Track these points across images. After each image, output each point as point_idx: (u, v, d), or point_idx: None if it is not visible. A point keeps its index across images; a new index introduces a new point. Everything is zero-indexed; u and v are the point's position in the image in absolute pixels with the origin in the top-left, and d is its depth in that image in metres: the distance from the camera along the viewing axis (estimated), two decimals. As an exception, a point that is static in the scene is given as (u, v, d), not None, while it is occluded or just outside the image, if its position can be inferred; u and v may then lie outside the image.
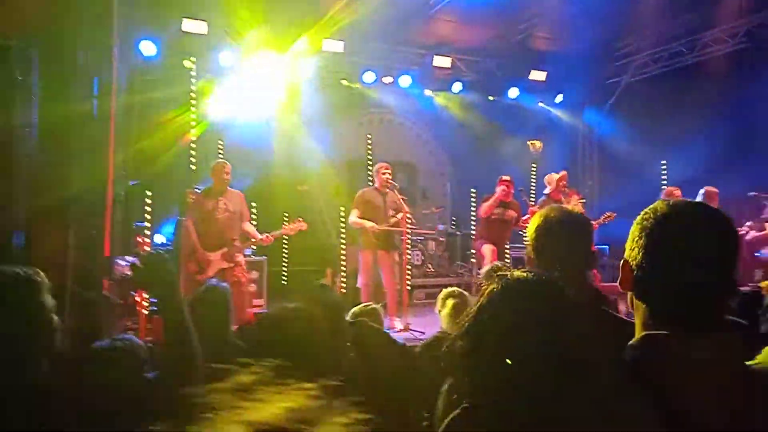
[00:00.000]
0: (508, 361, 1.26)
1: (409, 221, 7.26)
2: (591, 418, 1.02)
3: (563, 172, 7.93)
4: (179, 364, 1.77)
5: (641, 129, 10.12)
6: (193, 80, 8.46)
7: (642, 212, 1.18)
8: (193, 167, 8.05)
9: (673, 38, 9.79)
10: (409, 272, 7.74)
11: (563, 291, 1.42)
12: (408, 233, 7.34)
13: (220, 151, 8.43)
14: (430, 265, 9.76)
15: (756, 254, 8.56)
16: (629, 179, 9.72)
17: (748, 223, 8.35)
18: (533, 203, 8.18)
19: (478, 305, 1.37)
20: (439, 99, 11.22)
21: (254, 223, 7.54)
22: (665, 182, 9.65)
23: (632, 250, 1.16)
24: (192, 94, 8.43)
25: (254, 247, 7.89)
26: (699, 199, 8.14)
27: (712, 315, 1.13)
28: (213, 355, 2.22)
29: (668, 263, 1.12)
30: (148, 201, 6.75)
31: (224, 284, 3.30)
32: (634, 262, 1.15)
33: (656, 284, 1.13)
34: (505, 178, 7.67)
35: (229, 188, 6.36)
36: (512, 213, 7.63)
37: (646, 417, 0.99)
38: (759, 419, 1.02)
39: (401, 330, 6.63)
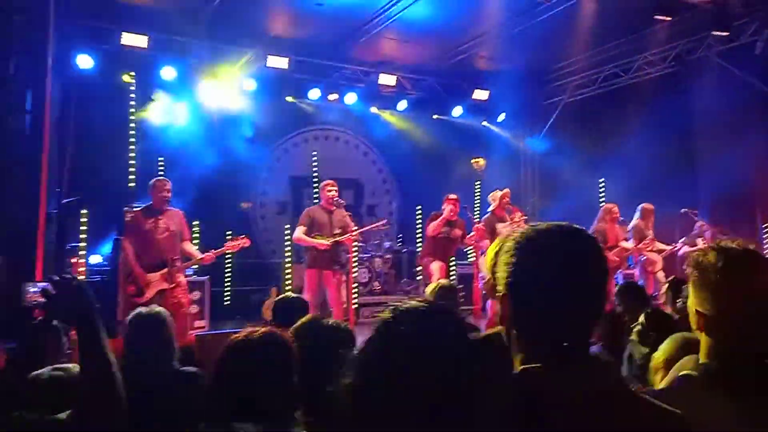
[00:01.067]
0: (390, 399, 1.17)
1: (354, 236, 7.23)
2: None
3: (506, 190, 8.06)
4: (98, 401, 1.63)
5: (579, 147, 10.44)
6: (132, 95, 8.23)
7: (503, 239, 1.15)
8: (132, 184, 7.80)
9: (607, 60, 10.18)
10: (355, 290, 7.68)
11: (460, 323, 1.32)
12: (354, 250, 7.30)
13: (161, 168, 8.19)
14: (376, 283, 9.74)
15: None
16: (569, 196, 9.99)
17: (681, 240, 8.70)
18: (477, 220, 8.29)
19: (367, 338, 1.28)
20: (385, 116, 11.29)
21: (196, 242, 7.35)
22: (603, 199, 9.98)
23: (501, 280, 1.12)
24: (131, 109, 8.20)
25: (196, 267, 7.69)
26: (636, 215, 8.45)
27: (584, 342, 1.09)
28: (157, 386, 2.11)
29: (533, 290, 1.06)
30: (84, 219, 6.47)
31: (161, 309, 3.17)
32: (505, 293, 1.10)
33: (525, 314, 1.08)
34: (451, 196, 7.76)
35: (169, 207, 6.17)
36: (458, 231, 7.72)
37: None
38: None
39: (347, 349, 6.55)
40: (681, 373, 1.44)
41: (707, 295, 1.40)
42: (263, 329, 1.86)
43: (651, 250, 8.29)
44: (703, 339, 1.44)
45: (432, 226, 7.59)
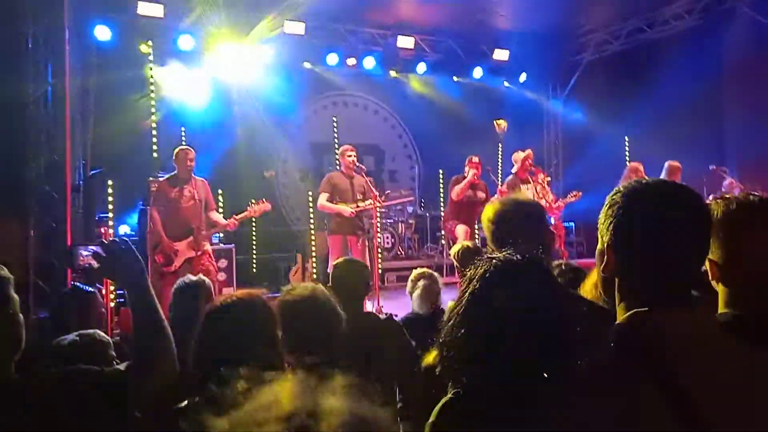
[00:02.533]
0: (501, 344, 1.25)
1: (379, 204, 7.23)
2: (584, 399, 1.01)
3: (528, 151, 7.97)
4: (151, 356, 1.70)
5: (604, 106, 10.24)
6: (150, 65, 8.22)
7: (611, 193, 1.16)
8: (155, 154, 7.85)
9: (631, 14, 9.88)
10: (380, 255, 7.71)
11: (551, 271, 1.43)
12: (378, 216, 7.31)
13: (183, 138, 8.22)
14: (400, 248, 9.76)
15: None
16: (593, 156, 9.84)
17: (710, 197, 8.54)
18: (500, 183, 8.22)
19: (470, 290, 1.34)
20: (405, 80, 11.16)
21: (220, 212, 7.41)
22: (628, 158, 9.81)
23: (606, 232, 1.15)
24: (150, 78, 8.19)
25: (221, 236, 7.76)
26: (663, 173, 8.29)
27: (688, 290, 1.13)
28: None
29: (642, 242, 1.10)
30: (110, 190, 6.55)
31: (203, 278, 3.21)
32: (610, 244, 1.14)
33: (633, 264, 1.12)
34: (474, 159, 7.68)
35: (193, 175, 6.21)
36: (482, 194, 7.67)
37: (644, 394, 0.98)
38: (749, 386, 1.03)
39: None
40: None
41: (716, 241, 1.40)
42: (240, 292, 1.93)
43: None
44: (720, 290, 1.43)
45: (456, 189, 7.54)
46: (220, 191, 7.95)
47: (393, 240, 9.65)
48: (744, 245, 1.37)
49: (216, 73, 9.05)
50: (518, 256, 1.36)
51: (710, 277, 1.44)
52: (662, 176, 8.29)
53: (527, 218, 2.06)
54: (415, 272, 4.08)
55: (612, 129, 10.13)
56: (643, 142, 9.65)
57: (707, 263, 1.42)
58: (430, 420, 1.33)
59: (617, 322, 1.12)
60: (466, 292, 1.36)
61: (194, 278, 3.12)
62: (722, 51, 9.19)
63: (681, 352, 1.02)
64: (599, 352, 1.09)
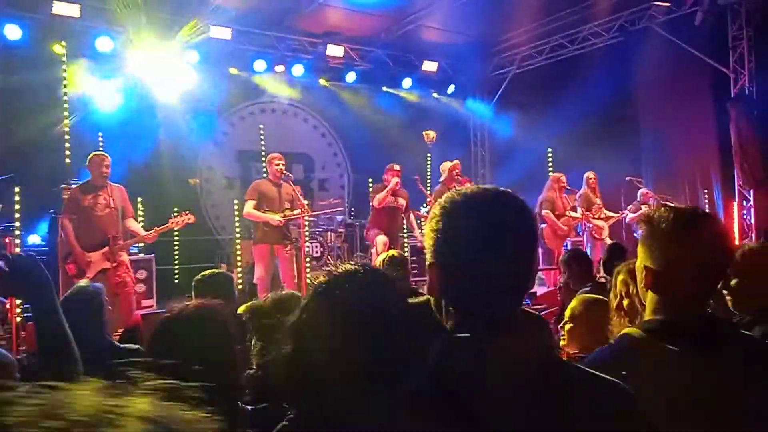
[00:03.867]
0: (323, 365, 1.15)
1: (308, 213, 7.14)
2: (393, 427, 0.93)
3: (456, 161, 8.10)
4: (56, 374, 1.56)
5: (529, 118, 10.54)
6: (64, 66, 7.82)
7: (432, 208, 1.07)
8: (68, 160, 7.45)
9: (554, 31, 10.25)
10: (308, 264, 7.61)
11: (394, 285, 1.31)
12: (306, 225, 7.21)
13: (101, 143, 7.85)
14: (329, 257, 9.65)
15: (635, 234, 9.18)
16: (519, 167, 10.10)
17: (628, 207, 8.93)
18: (430, 193, 8.30)
19: (303, 303, 1.25)
20: (335, 89, 11.11)
21: (140, 220, 7.11)
22: (551, 168, 10.13)
23: (428, 249, 1.05)
24: (64, 81, 7.79)
25: (141, 245, 7.44)
26: (583, 184, 8.62)
27: (513, 310, 1.03)
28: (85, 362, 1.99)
29: (459, 258, 1.00)
30: (17, 198, 6.15)
31: (97, 284, 3.04)
32: (432, 262, 1.04)
33: (453, 282, 1.01)
34: (395, 167, 7.74)
35: (109, 182, 5.92)
36: (402, 201, 7.74)
37: (447, 425, 0.90)
38: (566, 413, 0.95)
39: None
40: (622, 332, 1.43)
41: (657, 249, 1.41)
42: (196, 302, 1.76)
43: (598, 218, 8.48)
44: (650, 297, 1.44)
45: (378, 197, 7.55)
46: (139, 199, 7.64)
47: (322, 249, 9.53)
48: (681, 253, 1.37)
49: (136, 77, 8.70)
50: (360, 265, 1.27)
51: (642, 285, 1.44)
52: (583, 186, 8.62)
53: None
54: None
55: (536, 140, 10.44)
56: (565, 154, 10.00)
57: (643, 270, 1.42)
58: None
59: (438, 348, 1.00)
60: (301, 305, 1.26)
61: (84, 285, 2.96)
62: (637, 67, 9.66)
63: (490, 386, 0.92)
64: (416, 377, 0.99)
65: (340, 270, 1.26)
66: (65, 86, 7.79)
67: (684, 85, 9.42)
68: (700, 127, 9.41)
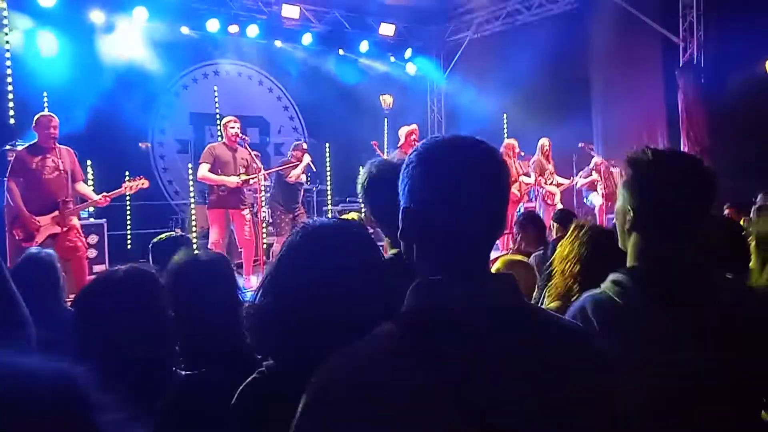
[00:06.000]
0: (304, 315, 1.16)
1: (265, 176, 7.07)
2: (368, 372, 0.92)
3: (414, 126, 8.08)
4: (5, 338, 1.54)
5: (484, 84, 10.59)
6: (5, 22, 7.43)
7: (408, 154, 1.07)
8: (12, 120, 7.14)
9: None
10: (264, 230, 7.57)
11: (369, 238, 1.32)
12: (263, 190, 7.15)
13: (45, 103, 7.54)
14: (285, 222, 9.61)
15: (584, 200, 9.44)
16: (475, 132, 10.06)
17: (579, 173, 9.16)
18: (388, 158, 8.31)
19: (279, 256, 1.27)
20: (291, 51, 10.90)
21: (90, 184, 6.92)
22: (506, 134, 10.25)
23: (401, 194, 1.05)
24: (5, 38, 7.42)
25: (91, 210, 7.26)
26: (537, 150, 8.77)
27: (484, 257, 1.05)
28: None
29: (434, 204, 1.00)
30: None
31: (49, 251, 2.97)
32: (404, 207, 1.05)
33: (426, 228, 1.01)
34: (305, 146, 7.97)
35: (57, 145, 5.71)
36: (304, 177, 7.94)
37: (418, 369, 0.90)
38: (541, 357, 0.96)
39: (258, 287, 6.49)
40: (610, 278, 1.44)
41: (638, 188, 1.43)
42: (126, 266, 1.69)
43: (550, 184, 8.67)
44: (632, 240, 1.46)
45: (295, 173, 7.57)
46: (89, 162, 7.41)
47: (278, 214, 9.48)
48: (662, 191, 1.41)
49: (83, 35, 8.34)
50: (335, 220, 1.30)
51: (624, 227, 1.46)
52: (536, 152, 8.78)
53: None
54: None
55: (492, 106, 10.52)
56: (520, 120, 10.13)
57: (624, 214, 1.45)
58: (233, 401, 1.25)
59: (409, 290, 1.01)
60: (276, 258, 1.29)
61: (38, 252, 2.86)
62: (591, 35, 9.79)
63: (462, 329, 0.93)
64: (383, 324, 0.98)
65: (314, 223, 1.27)
66: (7, 43, 7.42)
67: (635, 53, 9.60)
68: (650, 94, 9.64)
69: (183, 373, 1.65)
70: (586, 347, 1.02)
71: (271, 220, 8.10)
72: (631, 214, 1.44)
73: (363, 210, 2.11)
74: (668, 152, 1.48)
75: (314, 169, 8.33)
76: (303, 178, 7.88)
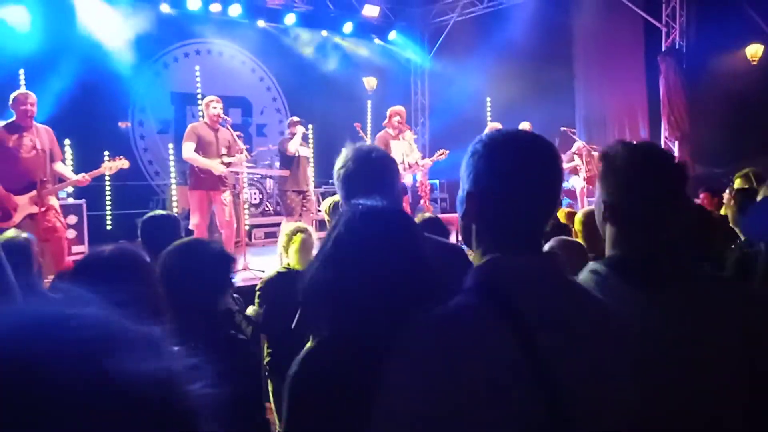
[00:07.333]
0: (368, 288, 1.25)
1: (248, 159, 7.01)
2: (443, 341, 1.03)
3: (398, 108, 8.03)
4: None
5: (468, 67, 10.58)
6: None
7: (474, 142, 1.19)
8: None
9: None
10: (247, 211, 7.52)
11: (411, 218, 1.46)
12: (245, 171, 7.09)
13: (22, 80, 7.40)
14: (268, 204, 9.58)
15: (564, 183, 9.52)
16: (458, 116, 10.18)
17: (561, 156, 9.21)
18: (370, 140, 8.28)
19: (336, 234, 1.33)
20: (274, 31, 10.78)
21: (68, 163, 6.82)
22: (490, 118, 10.27)
23: (467, 179, 1.17)
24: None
25: (70, 190, 7.17)
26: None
27: (539, 237, 1.19)
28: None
29: (499, 190, 1.14)
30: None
31: (28, 235, 2.92)
32: (470, 192, 1.17)
33: (489, 211, 1.15)
34: (296, 119, 7.68)
35: (35, 123, 5.61)
36: (307, 151, 7.77)
37: (498, 336, 1.02)
38: (594, 326, 1.11)
39: (240, 270, 6.46)
40: (588, 267, 1.48)
41: (613, 182, 1.46)
42: (112, 246, 1.67)
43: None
44: (609, 231, 1.49)
45: (294, 141, 7.46)
46: (67, 141, 7.30)
47: (261, 196, 9.44)
48: (635, 184, 1.43)
49: (62, 12, 8.17)
50: (380, 203, 1.37)
51: (602, 220, 1.49)
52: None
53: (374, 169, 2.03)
54: (288, 227, 3.98)
55: (476, 89, 10.52)
56: (504, 103, 10.14)
57: (600, 207, 1.48)
58: (291, 371, 1.31)
59: (474, 266, 1.16)
60: (329, 237, 1.35)
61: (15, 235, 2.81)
62: (575, 19, 9.80)
63: (529, 294, 1.07)
64: (456, 296, 1.10)
65: (364, 206, 1.35)
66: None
67: (618, 38, 9.65)
68: (632, 79, 9.71)
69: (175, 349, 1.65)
70: (614, 316, 1.18)
71: (279, 201, 8.00)
72: (603, 207, 1.48)
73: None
74: (640, 146, 1.52)
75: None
76: (307, 152, 7.65)
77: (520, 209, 1.13)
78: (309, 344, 1.37)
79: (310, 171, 7.81)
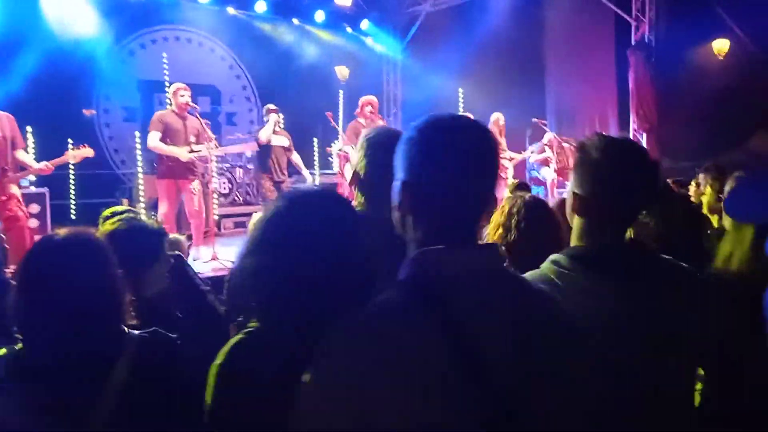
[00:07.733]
0: (294, 275, 1.21)
1: (216, 147, 6.88)
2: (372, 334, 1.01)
3: (370, 98, 7.98)
4: None
5: (441, 58, 10.55)
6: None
7: (408, 129, 1.14)
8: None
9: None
10: (216, 201, 7.41)
11: (349, 203, 1.41)
12: (214, 160, 6.96)
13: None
14: (237, 193, 9.45)
15: (534, 173, 9.58)
16: (431, 107, 10.15)
17: (531, 147, 9.27)
18: (342, 130, 8.21)
19: (265, 220, 1.31)
20: (243, 18, 10.60)
21: (30, 152, 6.63)
22: (462, 109, 10.28)
23: (400, 168, 1.13)
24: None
25: (32, 179, 6.97)
26: (490, 125, 8.82)
27: (476, 227, 1.14)
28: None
29: (435, 176, 1.08)
30: None
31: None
32: (404, 180, 1.12)
33: (426, 201, 1.10)
34: (273, 106, 7.59)
35: (-6, 110, 5.43)
36: (285, 140, 7.65)
37: (428, 331, 0.99)
38: (527, 317, 1.08)
39: (209, 260, 6.37)
40: (550, 258, 1.48)
41: (586, 174, 1.47)
42: (68, 229, 1.63)
43: (502, 158, 8.75)
44: (576, 222, 1.50)
45: (265, 129, 7.38)
46: (29, 129, 7.09)
47: (230, 185, 9.30)
48: (606, 179, 1.44)
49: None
50: (315, 186, 1.37)
51: (571, 210, 1.50)
52: (490, 127, 8.83)
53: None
54: (258, 217, 3.90)
55: (448, 80, 10.51)
56: (475, 94, 10.16)
57: (571, 197, 1.48)
58: (217, 361, 1.25)
59: (408, 258, 1.11)
60: (259, 222, 1.32)
61: None
62: (546, 11, 9.84)
63: (461, 288, 1.03)
64: (388, 289, 1.07)
65: (298, 190, 1.34)
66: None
67: (589, 31, 9.73)
68: (602, 72, 9.81)
69: (135, 332, 1.61)
70: (556, 305, 1.16)
71: (256, 191, 7.87)
72: (572, 198, 1.48)
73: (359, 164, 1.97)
74: (617, 140, 1.51)
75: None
76: (283, 141, 7.52)
77: (453, 199, 1.08)
78: (237, 335, 1.31)
79: (296, 158, 7.68)
